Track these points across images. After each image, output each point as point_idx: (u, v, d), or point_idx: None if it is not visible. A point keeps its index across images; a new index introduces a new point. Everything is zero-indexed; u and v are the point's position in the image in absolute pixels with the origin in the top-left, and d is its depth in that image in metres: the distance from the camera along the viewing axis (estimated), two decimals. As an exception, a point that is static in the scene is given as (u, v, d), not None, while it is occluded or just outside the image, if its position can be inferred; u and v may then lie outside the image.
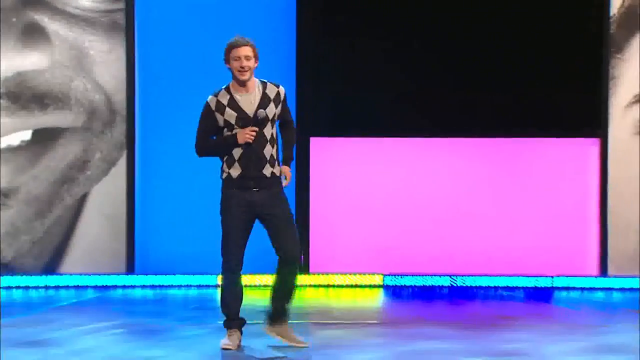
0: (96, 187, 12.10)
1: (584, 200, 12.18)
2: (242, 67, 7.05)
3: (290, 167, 7.33)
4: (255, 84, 7.17)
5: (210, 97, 7.21)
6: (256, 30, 12.26)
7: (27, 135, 12.01)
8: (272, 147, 7.08)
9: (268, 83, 7.22)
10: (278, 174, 7.13)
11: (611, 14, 12.02)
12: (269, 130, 7.05)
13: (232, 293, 7.28)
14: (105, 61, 12.09)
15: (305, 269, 11.98)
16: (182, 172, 12.21)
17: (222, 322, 7.50)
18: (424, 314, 10.09)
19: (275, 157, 7.11)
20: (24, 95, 11.97)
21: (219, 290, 7.31)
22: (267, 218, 7.12)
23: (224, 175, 7.18)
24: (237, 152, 7.04)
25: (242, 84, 7.09)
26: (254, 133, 6.95)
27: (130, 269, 12.12)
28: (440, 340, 8.29)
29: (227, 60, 7.16)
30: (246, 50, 7.09)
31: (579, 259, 12.18)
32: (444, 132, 12.12)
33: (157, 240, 12.25)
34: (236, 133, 6.99)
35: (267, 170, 7.05)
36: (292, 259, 7.26)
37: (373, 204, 12.09)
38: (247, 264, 12.17)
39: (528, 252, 12.15)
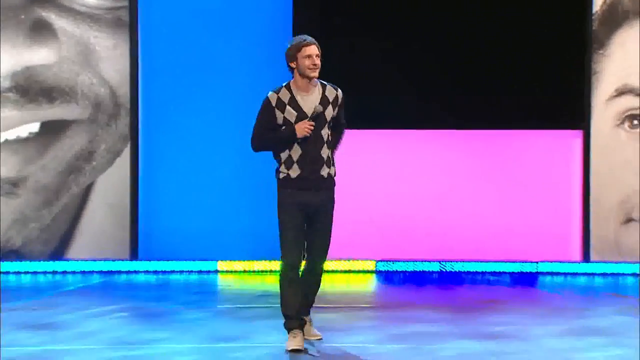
0: (101, 176, 12.08)
1: (567, 189, 12.18)
2: (314, 65, 6.77)
3: None
4: (316, 85, 6.92)
5: (270, 93, 6.89)
6: (255, 28, 12.29)
7: (35, 127, 11.99)
8: (329, 148, 6.93)
9: (328, 85, 6.98)
10: (334, 175, 6.99)
11: (593, 11, 12.00)
12: (325, 132, 6.86)
13: (291, 292, 6.93)
14: (110, 57, 12.05)
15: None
16: (184, 162, 12.19)
17: (283, 323, 7.06)
18: (415, 298, 10.10)
19: (331, 158, 6.97)
20: (33, 89, 11.94)
21: (279, 290, 6.98)
22: (313, 221, 6.93)
23: (282, 175, 6.95)
24: (295, 154, 6.82)
25: (309, 82, 6.83)
26: (311, 127, 6.74)
27: (133, 255, 12.10)
28: (430, 323, 8.30)
29: (293, 59, 6.81)
30: (316, 49, 6.82)
31: (562, 245, 12.17)
32: (434, 125, 12.10)
33: (160, 227, 12.23)
34: (294, 127, 6.75)
35: (325, 171, 6.88)
36: (317, 274, 7.09)
37: (366, 193, 12.07)
38: (245, 251, 12.20)
39: (514, 239, 12.13)
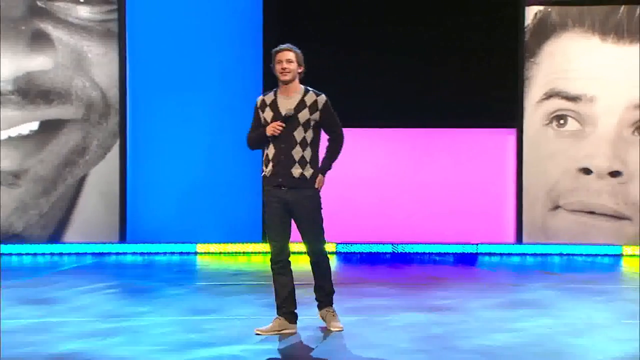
0: (94, 169, 12.04)
1: (503, 179, 12.26)
2: (283, 69, 6.54)
3: (324, 175, 6.73)
4: (298, 90, 6.63)
5: (259, 96, 6.72)
6: (227, 36, 12.28)
7: (34, 125, 11.93)
8: (303, 149, 6.55)
9: (311, 91, 6.65)
10: (309, 176, 6.61)
11: (526, 24, 12.08)
12: (300, 133, 6.51)
13: (277, 282, 6.73)
14: (101, 63, 12.01)
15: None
16: (167, 155, 12.18)
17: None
18: (369, 276, 10.11)
19: (307, 160, 6.58)
20: (32, 91, 11.89)
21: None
22: (295, 217, 6.72)
23: (262, 173, 6.67)
24: (271, 153, 6.55)
25: (285, 84, 6.59)
26: (279, 127, 6.43)
27: (122, 238, 12.08)
28: (382, 297, 8.33)
29: (273, 66, 6.64)
30: (288, 55, 6.58)
31: (498, 229, 12.25)
32: (389, 123, 12.15)
33: (146, 213, 12.21)
34: (276, 115, 6.52)
35: (296, 171, 6.54)
36: (314, 255, 6.80)
37: (326, 184, 12.08)
38: (221, 235, 12.18)
39: (456, 224, 12.20)
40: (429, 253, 12.03)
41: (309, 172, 6.63)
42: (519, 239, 12.14)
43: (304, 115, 6.56)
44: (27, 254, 11.73)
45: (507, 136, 12.21)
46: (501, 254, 11.92)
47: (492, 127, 12.23)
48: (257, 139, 6.65)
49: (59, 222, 12.02)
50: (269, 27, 12.05)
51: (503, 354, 6.01)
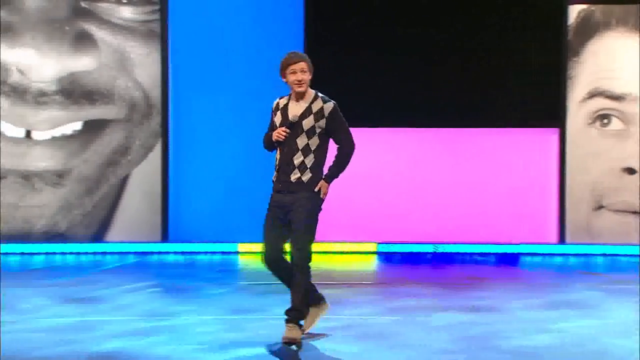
0: (136, 169, 12.14)
1: (545, 180, 12.19)
2: (298, 81, 6.45)
3: (328, 183, 6.54)
4: (309, 96, 6.54)
5: (277, 98, 6.68)
6: (268, 36, 12.33)
7: (78, 125, 12.04)
8: (305, 156, 6.46)
9: (319, 98, 6.54)
10: (306, 181, 6.46)
11: (569, 23, 12.01)
12: (302, 140, 6.44)
13: (282, 281, 6.67)
14: (144, 63, 12.10)
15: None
16: (208, 155, 12.24)
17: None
18: (410, 276, 10.11)
19: (307, 166, 6.47)
20: (76, 92, 12.00)
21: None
22: (289, 220, 6.52)
23: (272, 177, 6.62)
24: (277, 158, 6.54)
25: (300, 93, 6.50)
26: (283, 133, 6.39)
27: (164, 238, 12.16)
28: (423, 297, 8.33)
29: (282, 73, 6.55)
30: (302, 65, 6.48)
31: (541, 229, 12.19)
32: (431, 124, 12.14)
33: (187, 213, 12.28)
34: (285, 119, 6.47)
35: (294, 176, 6.44)
36: (297, 262, 6.47)
37: (368, 184, 12.11)
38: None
39: (498, 224, 12.16)
40: (470, 253, 11.99)
41: (307, 176, 6.49)
42: (561, 239, 12.07)
43: (308, 122, 6.47)
44: (71, 253, 11.84)
45: (550, 136, 12.15)
46: (543, 254, 11.86)
47: (535, 127, 12.17)
48: (268, 141, 6.65)
49: (102, 222, 12.13)
50: (311, 28, 12.09)
51: (544, 355, 5.99)
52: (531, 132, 12.19)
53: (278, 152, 6.58)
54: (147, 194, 12.15)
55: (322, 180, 6.53)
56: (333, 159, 6.64)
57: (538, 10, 12.05)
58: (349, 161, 6.62)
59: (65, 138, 12.02)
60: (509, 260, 11.55)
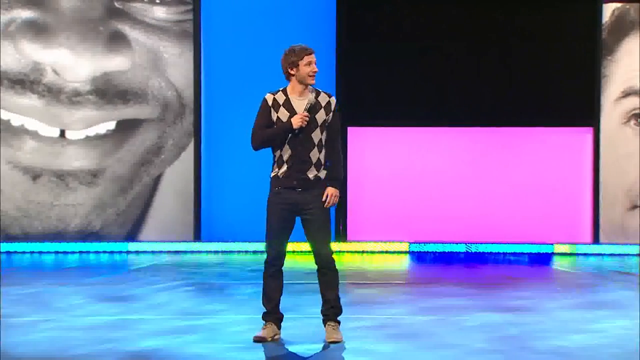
0: (169, 168, 12.19)
1: (579, 179, 12.14)
2: (314, 72, 6.32)
3: (337, 188, 6.38)
4: (310, 91, 6.38)
5: (267, 94, 6.42)
6: (300, 37, 12.34)
7: (112, 125, 12.10)
8: (319, 151, 6.31)
9: (321, 92, 6.41)
10: (323, 178, 6.34)
11: (603, 21, 11.95)
12: (317, 135, 6.29)
13: (270, 286, 6.54)
14: (177, 63, 12.15)
15: (344, 237, 12.04)
16: (241, 155, 12.25)
17: (261, 314, 6.59)
18: (443, 276, 10.09)
19: (321, 162, 6.33)
20: (110, 91, 12.06)
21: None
22: (304, 219, 6.38)
23: (272, 174, 6.45)
24: (286, 154, 6.31)
25: (304, 88, 6.34)
26: (306, 118, 6.20)
27: (197, 237, 12.21)
28: (456, 297, 8.31)
29: (294, 65, 6.38)
30: (314, 57, 6.40)
31: (575, 229, 12.14)
32: (466, 122, 12.13)
33: (220, 212, 12.32)
34: (290, 118, 6.23)
35: (311, 173, 6.30)
36: (326, 265, 6.46)
37: (401, 184, 12.11)
38: (294, 233, 12.25)
39: (532, 224, 12.12)
40: (503, 253, 11.95)
41: (323, 173, 6.38)
42: (595, 239, 12.00)
43: (320, 116, 6.33)
44: (105, 251, 11.91)
45: (584, 135, 12.09)
46: (577, 254, 11.79)
47: (569, 125, 12.13)
48: (274, 134, 6.33)
49: (136, 221, 12.19)
50: (342, 28, 12.09)
51: (581, 355, 5.96)
52: (565, 131, 12.14)
53: (285, 148, 6.32)
54: (180, 193, 12.20)
55: (332, 188, 6.35)
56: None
57: (572, 9, 12.00)
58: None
59: (99, 137, 12.08)
60: (542, 260, 11.49)
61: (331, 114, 6.38)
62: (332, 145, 6.41)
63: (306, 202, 6.33)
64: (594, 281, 9.74)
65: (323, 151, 6.36)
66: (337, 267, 6.51)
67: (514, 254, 11.89)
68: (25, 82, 11.99)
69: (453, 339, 6.48)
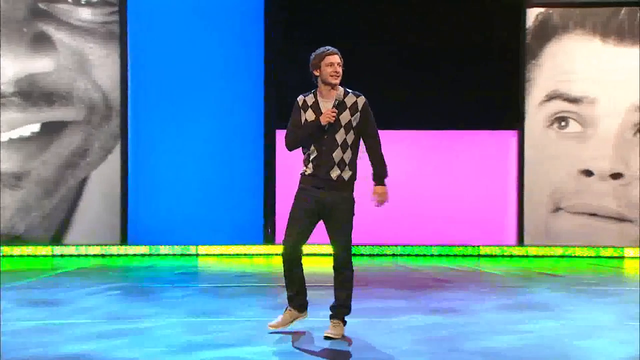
0: (95, 171, 12.07)
1: (504, 182, 12.29)
2: (336, 72, 6.44)
3: (384, 185, 6.66)
4: (339, 91, 6.51)
5: (300, 96, 6.58)
6: (229, 37, 12.31)
7: (36, 127, 11.96)
8: (344, 152, 6.46)
9: (350, 93, 6.52)
10: (347, 179, 6.52)
11: (527, 26, 12.12)
12: (341, 136, 6.43)
13: (288, 276, 6.66)
14: (103, 65, 12.04)
15: (272, 240, 12.02)
16: (168, 157, 12.21)
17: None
18: (371, 278, 10.11)
19: (346, 162, 6.48)
20: (34, 93, 11.91)
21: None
22: (326, 219, 6.55)
23: (301, 171, 6.62)
24: (313, 154, 6.48)
25: (332, 87, 6.47)
26: (334, 114, 6.37)
27: (124, 240, 12.11)
28: (385, 299, 8.34)
29: (317, 67, 6.51)
30: (337, 58, 6.49)
31: (500, 231, 12.28)
32: (397, 126, 12.19)
33: (147, 215, 12.24)
34: (319, 116, 6.42)
35: (334, 173, 6.46)
36: (342, 266, 6.62)
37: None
38: (222, 237, 12.20)
39: (458, 226, 12.23)
40: (431, 255, 12.03)
41: (347, 174, 6.54)
42: (520, 241, 12.16)
43: (345, 117, 6.47)
44: (29, 255, 11.74)
45: (509, 138, 12.25)
46: (503, 256, 11.93)
47: (493, 129, 12.27)
48: (304, 132, 6.50)
49: (61, 224, 12.05)
50: (271, 27, 12.09)
51: (509, 356, 6.02)
52: (490, 134, 12.28)
53: (312, 148, 6.50)
54: (107, 196, 12.09)
55: (379, 186, 6.65)
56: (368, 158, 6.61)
57: (497, 14, 12.15)
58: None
59: (23, 140, 11.92)
60: (469, 262, 11.59)
61: (357, 113, 6.50)
62: (371, 145, 6.60)
63: (330, 203, 6.53)
64: (519, 283, 9.85)
65: (349, 151, 6.50)
66: (340, 268, 6.66)
67: (442, 255, 11.97)
68: (-53, 83, 11.79)
69: (382, 341, 6.50)
